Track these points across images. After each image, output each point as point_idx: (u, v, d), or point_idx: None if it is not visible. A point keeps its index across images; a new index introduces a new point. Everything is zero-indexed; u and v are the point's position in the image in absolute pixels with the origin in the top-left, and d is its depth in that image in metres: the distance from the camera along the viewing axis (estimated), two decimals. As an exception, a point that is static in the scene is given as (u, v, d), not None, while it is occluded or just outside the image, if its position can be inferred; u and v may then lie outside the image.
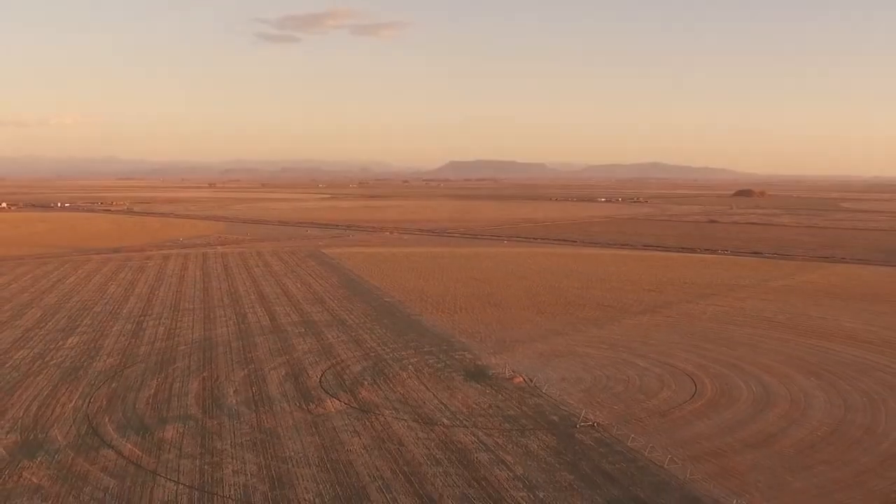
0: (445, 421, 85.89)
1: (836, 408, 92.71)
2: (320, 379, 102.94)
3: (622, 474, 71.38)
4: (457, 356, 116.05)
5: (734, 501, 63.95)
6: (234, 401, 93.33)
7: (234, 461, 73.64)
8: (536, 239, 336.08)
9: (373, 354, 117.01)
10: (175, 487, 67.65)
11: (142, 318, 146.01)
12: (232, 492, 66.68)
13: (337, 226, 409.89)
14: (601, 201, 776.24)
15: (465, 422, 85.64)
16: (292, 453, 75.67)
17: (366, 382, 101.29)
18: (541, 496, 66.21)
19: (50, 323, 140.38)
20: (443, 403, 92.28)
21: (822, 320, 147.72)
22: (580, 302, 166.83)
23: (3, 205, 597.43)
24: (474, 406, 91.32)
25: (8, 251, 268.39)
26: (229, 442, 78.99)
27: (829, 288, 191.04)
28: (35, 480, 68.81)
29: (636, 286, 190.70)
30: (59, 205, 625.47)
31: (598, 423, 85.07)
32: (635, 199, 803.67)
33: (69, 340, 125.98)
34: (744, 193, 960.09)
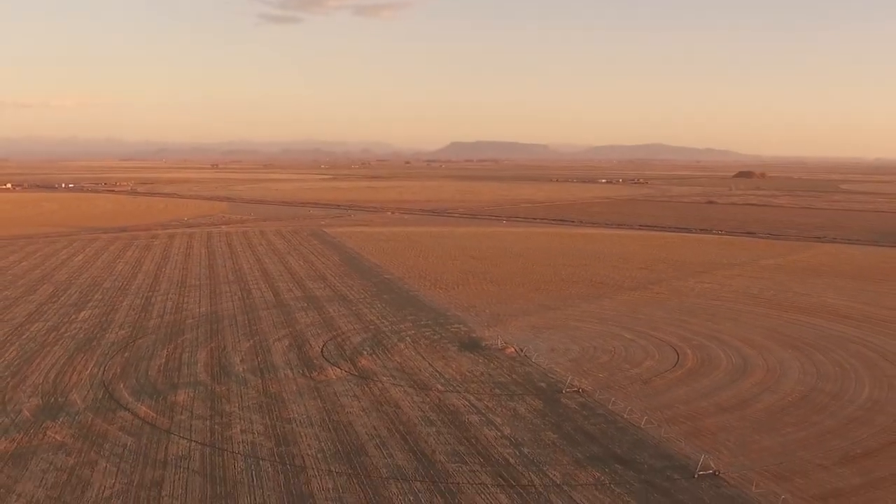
0: (439, 387, 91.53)
1: (809, 376, 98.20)
2: (322, 349, 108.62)
3: (602, 434, 77.02)
4: (452, 329, 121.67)
5: (702, 457, 69.44)
6: (240, 369, 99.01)
7: (242, 422, 79.35)
8: (535, 219, 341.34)
9: (372, 327, 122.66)
10: (188, 444, 73.33)
11: (150, 293, 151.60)
12: (241, 448, 72.35)
13: (339, 206, 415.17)
14: (602, 182, 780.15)
15: (457, 388, 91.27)
16: (296, 415, 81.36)
17: (365, 352, 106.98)
18: (526, 452, 71.81)
19: (62, 298, 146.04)
20: (437, 371, 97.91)
21: (807, 297, 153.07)
22: (574, 279, 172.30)
23: (9, 185, 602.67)
24: (467, 374, 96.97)
25: (17, 230, 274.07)
26: (237, 405, 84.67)
27: (818, 267, 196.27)
28: (59, 438, 74.50)
29: (630, 264, 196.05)
30: (63, 185, 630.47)
31: (582, 389, 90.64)
32: (636, 181, 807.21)
33: (81, 314, 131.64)
34: (744, 175, 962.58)
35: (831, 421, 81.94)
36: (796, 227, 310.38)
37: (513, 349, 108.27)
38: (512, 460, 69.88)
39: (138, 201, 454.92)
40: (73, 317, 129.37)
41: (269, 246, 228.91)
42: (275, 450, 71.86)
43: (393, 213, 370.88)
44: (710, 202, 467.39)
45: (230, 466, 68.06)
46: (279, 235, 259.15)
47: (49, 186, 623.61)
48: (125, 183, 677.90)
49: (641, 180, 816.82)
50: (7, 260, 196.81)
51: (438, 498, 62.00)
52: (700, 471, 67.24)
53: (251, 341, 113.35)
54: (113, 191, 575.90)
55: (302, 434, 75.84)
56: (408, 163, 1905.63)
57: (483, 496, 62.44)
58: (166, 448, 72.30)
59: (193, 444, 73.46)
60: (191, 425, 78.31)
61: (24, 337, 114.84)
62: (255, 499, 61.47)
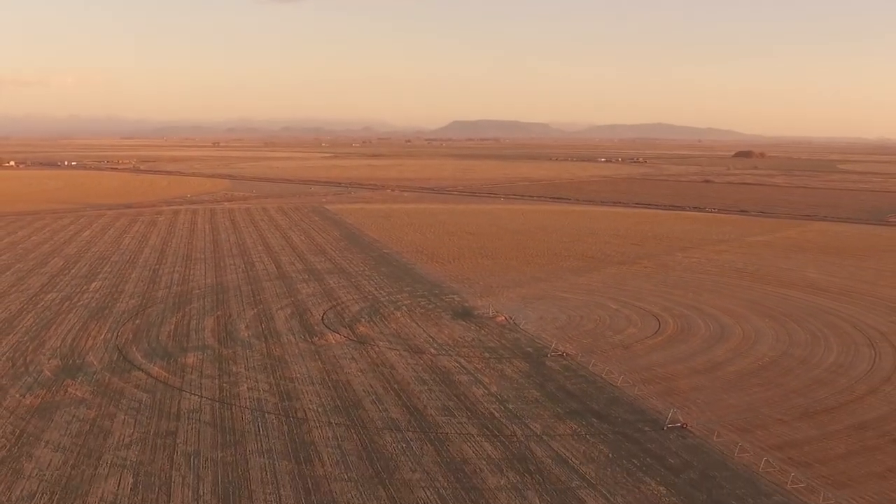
0: (432, 351, 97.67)
1: (782, 343, 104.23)
2: (322, 317, 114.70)
3: (581, 392, 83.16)
4: (446, 299, 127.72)
5: (671, 411, 75.60)
6: (245, 334, 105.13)
7: (249, 380, 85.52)
8: (532, 197, 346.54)
9: (370, 297, 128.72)
10: (199, 400, 79.52)
11: (157, 266, 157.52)
12: (247, 403, 78.56)
13: (339, 184, 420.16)
14: (601, 161, 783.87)
15: (449, 351, 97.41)
16: (298, 375, 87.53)
17: (363, 320, 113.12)
18: (510, 408, 77.97)
19: (73, 270, 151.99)
20: (431, 337, 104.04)
21: (789, 271, 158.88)
22: (566, 254, 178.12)
23: (12, 163, 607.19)
24: (459, 339, 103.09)
25: (24, 206, 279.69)
26: (243, 366, 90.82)
27: (804, 244, 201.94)
28: (79, 394, 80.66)
29: (621, 240, 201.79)
30: (66, 163, 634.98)
31: (566, 353, 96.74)
32: (635, 160, 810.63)
33: (92, 285, 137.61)
34: (744, 154, 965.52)
35: (796, 382, 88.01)
36: (789, 205, 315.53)
37: (503, 317, 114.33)
38: (497, 414, 76.04)
39: (141, 179, 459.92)
40: (85, 287, 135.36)
41: (271, 222, 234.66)
42: (279, 404, 78.07)
43: (393, 190, 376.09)
44: (707, 181, 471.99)
45: (238, 418, 74.26)
46: (281, 212, 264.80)
47: (52, 164, 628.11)
48: (127, 161, 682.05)
49: (641, 159, 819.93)
50: (17, 235, 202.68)
51: (428, 445, 68.18)
52: (669, 423, 73.40)
53: (255, 310, 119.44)
54: (116, 169, 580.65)
55: (304, 391, 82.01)
56: (408, 141, 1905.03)
57: (469, 444, 68.61)
58: (179, 403, 78.50)
59: (204, 399, 79.64)
60: (201, 383, 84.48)
61: (39, 306, 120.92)
62: (261, 445, 67.68)
